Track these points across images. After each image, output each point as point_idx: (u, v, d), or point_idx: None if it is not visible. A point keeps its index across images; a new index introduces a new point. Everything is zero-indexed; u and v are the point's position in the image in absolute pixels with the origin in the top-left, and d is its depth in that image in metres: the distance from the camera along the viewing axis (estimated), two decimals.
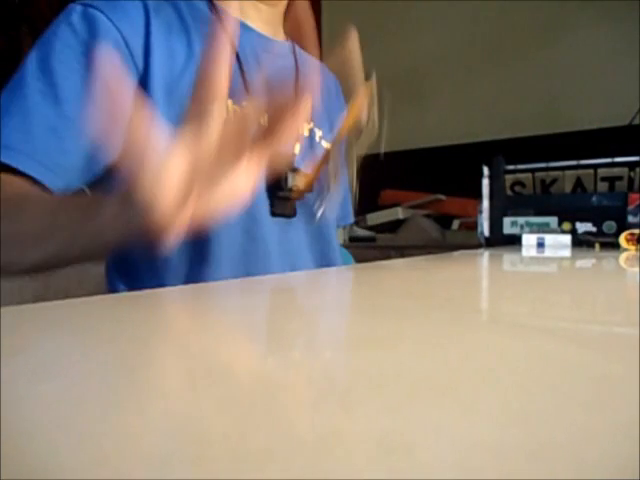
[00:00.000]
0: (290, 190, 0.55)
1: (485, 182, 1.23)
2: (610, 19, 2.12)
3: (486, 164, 1.24)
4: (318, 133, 0.62)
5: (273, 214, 0.54)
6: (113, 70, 0.41)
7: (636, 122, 1.99)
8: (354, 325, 0.22)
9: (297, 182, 0.56)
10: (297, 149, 0.58)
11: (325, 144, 0.64)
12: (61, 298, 0.27)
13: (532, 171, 1.26)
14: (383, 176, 2.69)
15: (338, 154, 0.53)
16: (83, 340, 0.20)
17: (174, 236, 0.33)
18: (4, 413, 0.11)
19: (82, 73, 0.45)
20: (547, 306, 0.29)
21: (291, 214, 0.56)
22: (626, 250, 0.94)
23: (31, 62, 0.46)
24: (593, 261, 0.70)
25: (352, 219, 0.81)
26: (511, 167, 1.27)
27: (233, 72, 0.53)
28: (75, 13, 0.47)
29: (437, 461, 0.08)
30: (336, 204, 0.71)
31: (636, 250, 0.93)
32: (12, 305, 0.24)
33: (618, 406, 0.11)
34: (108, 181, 0.48)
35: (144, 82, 0.48)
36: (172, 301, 0.32)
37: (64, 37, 0.46)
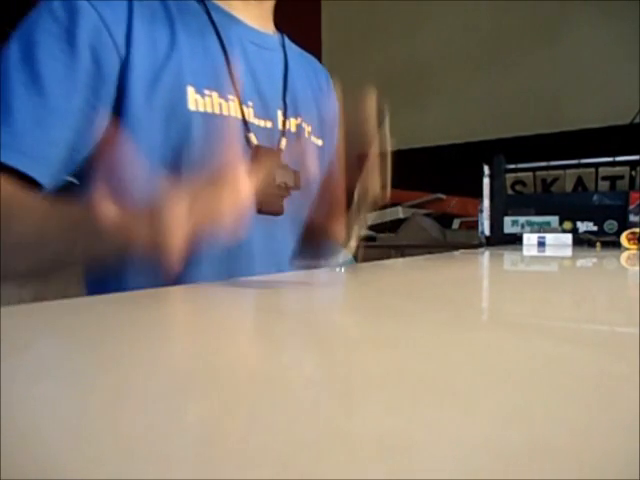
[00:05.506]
0: (278, 187, 0.53)
1: (486, 181, 1.23)
2: (610, 19, 2.12)
3: (487, 163, 1.24)
4: (307, 128, 0.61)
5: (259, 211, 0.52)
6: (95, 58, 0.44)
7: (637, 121, 1.98)
8: (353, 325, 0.22)
9: (285, 179, 0.54)
10: (283, 144, 0.57)
11: (315, 140, 0.62)
12: (60, 298, 0.27)
13: (533, 170, 1.26)
14: None
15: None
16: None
17: (176, 251, 0.36)
18: (4, 413, 0.11)
19: (65, 61, 0.45)
20: (548, 306, 0.29)
21: (279, 212, 0.55)
22: (627, 249, 0.94)
23: (13, 52, 0.45)
24: (594, 260, 0.70)
25: None
26: (512, 166, 1.27)
27: (219, 64, 0.52)
28: None
29: (437, 461, 0.08)
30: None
31: (637, 249, 0.93)
32: (12, 305, 0.24)
33: (618, 406, 0.11)
34: (89, 172, 0.47)
35: (125, 71, 0.47)
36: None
37: (45, 24, 0.45)
